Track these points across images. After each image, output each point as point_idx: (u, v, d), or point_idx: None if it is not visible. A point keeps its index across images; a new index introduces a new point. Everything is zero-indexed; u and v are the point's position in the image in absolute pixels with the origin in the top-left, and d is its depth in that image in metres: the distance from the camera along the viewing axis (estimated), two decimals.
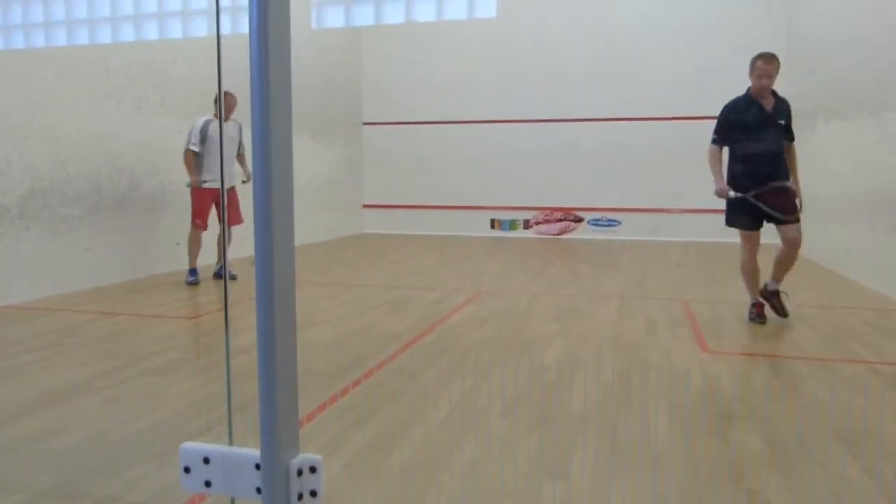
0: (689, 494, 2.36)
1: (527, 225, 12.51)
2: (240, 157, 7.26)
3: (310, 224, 10.62)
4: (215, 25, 1.21)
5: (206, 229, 6.91)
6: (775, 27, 10.92)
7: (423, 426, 2.97)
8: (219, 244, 7.07)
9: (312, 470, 1.11)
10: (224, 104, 6.80)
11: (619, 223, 12.08)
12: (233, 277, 6.85)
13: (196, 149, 6.71)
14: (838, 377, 3.72)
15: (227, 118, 6.87)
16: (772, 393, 3.47)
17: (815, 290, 6.62)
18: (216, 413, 3.05)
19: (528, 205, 12.44)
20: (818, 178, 8.76)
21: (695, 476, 2.50)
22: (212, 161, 6.81)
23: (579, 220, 12.29)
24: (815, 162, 9.03)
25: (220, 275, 7.11)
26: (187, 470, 1.14)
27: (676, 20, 11.53)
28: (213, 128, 6.79)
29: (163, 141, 7.40)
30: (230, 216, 6.87)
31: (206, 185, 6.78)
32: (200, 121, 6.77)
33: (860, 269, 7.09)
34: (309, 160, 10.77)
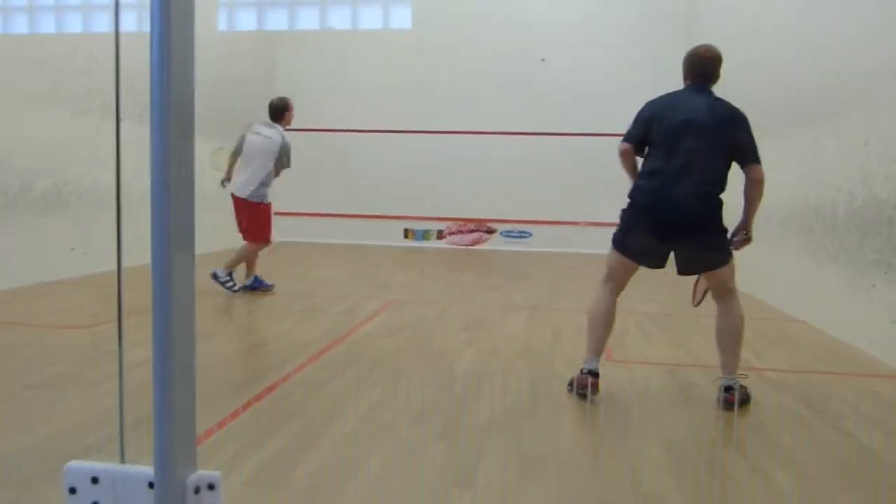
0: (591, 500, 2.43)
1: (440, 235, 12.59)
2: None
3: (218, 231, 10.29)
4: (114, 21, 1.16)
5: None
6: (674, 51, 11.46)
7: (329, 440, 2.92)
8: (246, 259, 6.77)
9: (211, 487, 1.07)
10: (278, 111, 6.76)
11: (531, 235, 12.34)
12: (262, 288, 6.64)
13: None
14: None
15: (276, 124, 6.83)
16: (669, 399, 3.62)
17: (709, 301, 6.95)
18: (108, 430, 2.89)
19: (441, 215, 12.52)
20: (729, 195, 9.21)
21: (596, 481, 2.57)
22: (237, 169, 6.67)
23: (492, 231, 12.48)
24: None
25: (250, 287, 6.70)
26: (73, 491, 1.08)
27: (589, 38, 11.93)
28: (248, 136, 6.73)
29: (58, 139, 7.01)
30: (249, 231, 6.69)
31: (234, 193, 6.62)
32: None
33: (750, 281, 7.50)
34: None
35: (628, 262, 3.64)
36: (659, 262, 3.62)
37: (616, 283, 3.71)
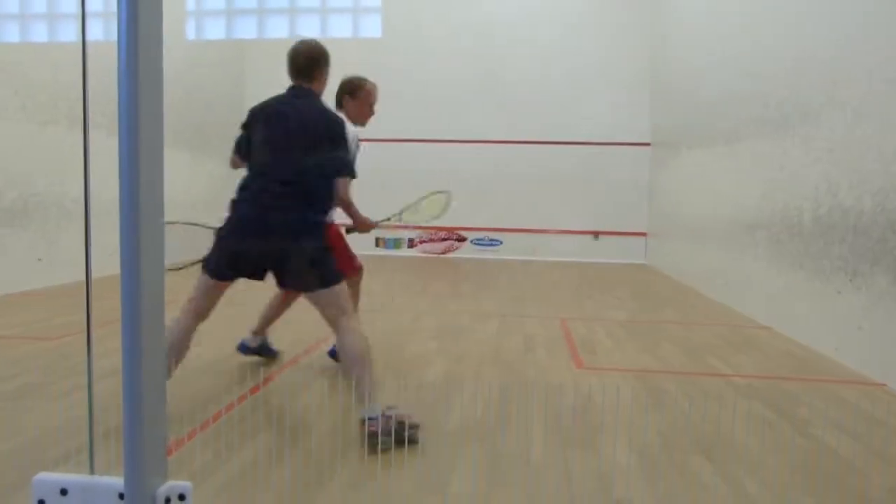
0: None
1: (411, 244, 12.59)
2: None
3: (185, 241, 10.17)
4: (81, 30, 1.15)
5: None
6: (640, 59, 11.66)
7: (301, 449, 2.90)
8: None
9: (181, 498, 1.07)
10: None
11: (501, 243, 12.39)
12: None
13: None
14: (699, 390, 3.98)
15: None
16: (639, 406, 3.66)
17: (677, 308, 7.06)
18: (78, 441, 2.84)
19: (412, 223, 12.53)
20: (682, 204, 9.38)
21: (568, 487, 2.59)
22: None
23: (462, 239, 12.51)
24: (678, 189, 9.67)
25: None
26: (41, 503, 1.06)
27: (555, 49, 12.09)
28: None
29: (25, 149, 6.89)
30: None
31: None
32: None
33: (717, 287, 7.63)
34: (186, 175, 10.36)
35: None
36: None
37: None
